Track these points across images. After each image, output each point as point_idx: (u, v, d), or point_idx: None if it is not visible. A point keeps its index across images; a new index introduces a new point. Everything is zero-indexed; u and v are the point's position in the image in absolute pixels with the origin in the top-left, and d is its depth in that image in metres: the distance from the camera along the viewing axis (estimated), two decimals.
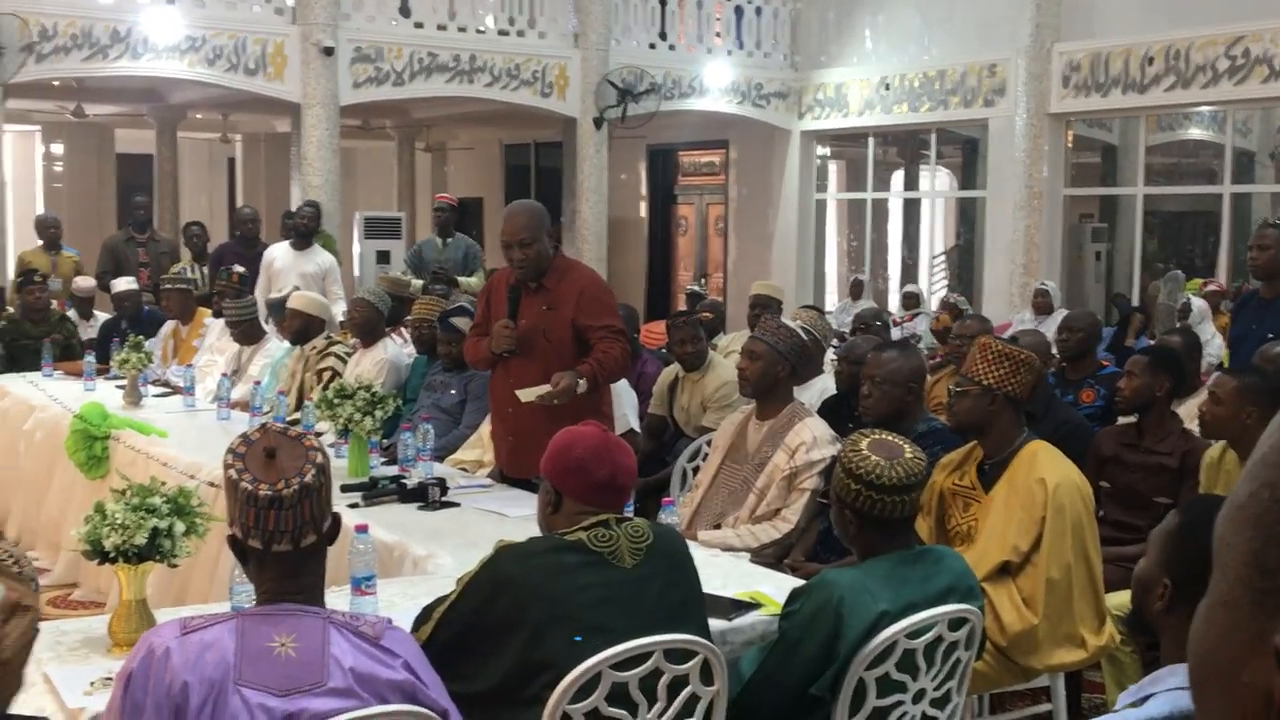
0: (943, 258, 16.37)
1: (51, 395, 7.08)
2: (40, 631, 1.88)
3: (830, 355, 7.05)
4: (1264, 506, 0.80)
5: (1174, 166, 14.49)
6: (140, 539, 2.95)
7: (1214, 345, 8.93)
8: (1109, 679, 4.18)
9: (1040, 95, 12.83)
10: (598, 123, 13.94)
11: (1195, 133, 14.00)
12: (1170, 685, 1.83)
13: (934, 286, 15.66)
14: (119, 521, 2.95)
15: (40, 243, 10.88)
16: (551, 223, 4.95)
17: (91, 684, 2.73)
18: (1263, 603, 0.80)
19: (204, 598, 4.46)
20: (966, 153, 15.63)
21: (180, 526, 3.02)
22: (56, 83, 12.70)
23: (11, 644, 1.73)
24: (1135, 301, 12.81)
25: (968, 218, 15.75)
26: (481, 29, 13.69)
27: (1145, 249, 13.40)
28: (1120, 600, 3.99)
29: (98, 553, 2.98)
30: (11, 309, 8.91)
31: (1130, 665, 4.13)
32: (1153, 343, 7.67)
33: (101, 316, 9.17)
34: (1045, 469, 3.81)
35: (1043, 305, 10.87)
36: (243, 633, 2.22)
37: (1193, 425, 5.02)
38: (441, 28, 13.25)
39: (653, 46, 14.62)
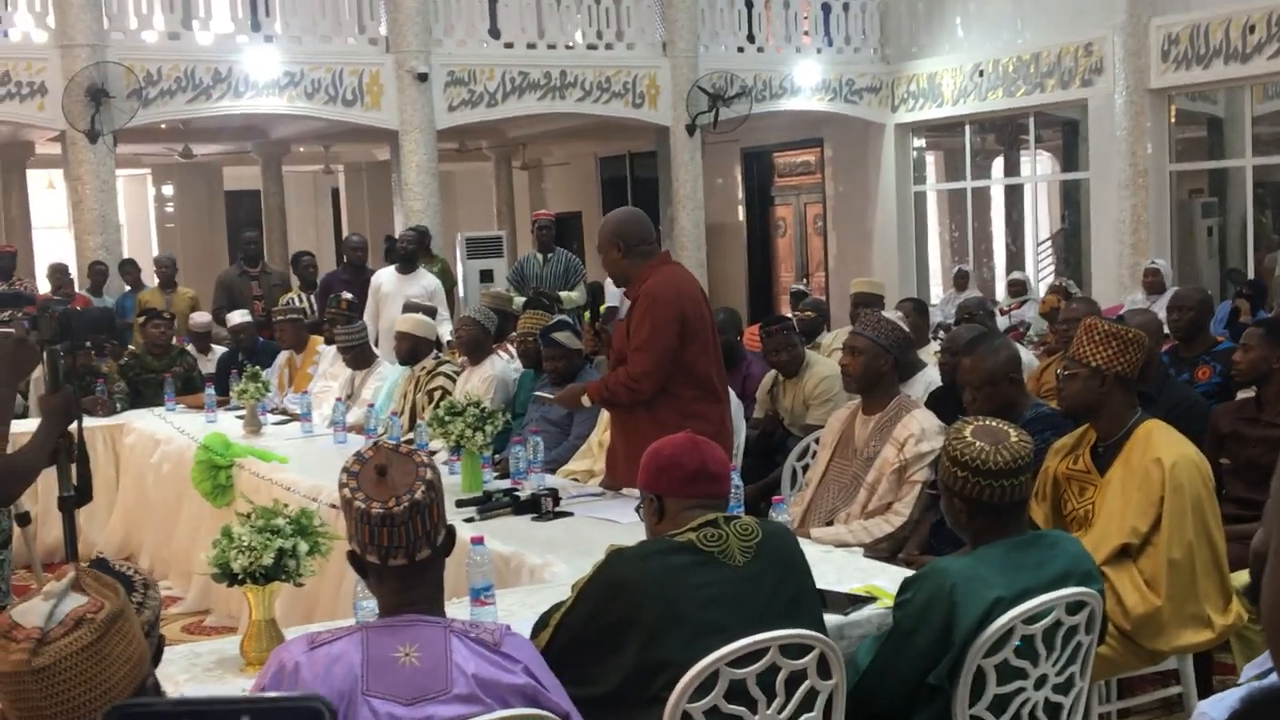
0: (1049, 243, 16.09)
1: (176, 428, 7.29)
2: (149, 651, 1.87)
3: (934, 347, 6.99)
4: None
5: None
6: (267, 560, 3.04)
7: None
8: (1239, 658, 4.09)
9: (1139, 71, 12.57)
10: (690, 129, 13.99)
11: None
12: None
13: (1041, 272, 15.41)
14: (245, 544, 3.04)
15: (157, 282, 11.24)
16: (642, 234, 4.86)
17: None
18: None
19: (331, 614, 4.55)
20: (1067, 135, 15.36)
21: (304, 546, 3.10)
22: (164, 125, 13.10)
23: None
24: (1250, 274, 12.47)
25: (1072, 200, 15.48)
26: (570, 44, 13.81)
27: (1257, 221, 13.05)
28: (1247, 578, 3.91)
29: (226, 575, 3.07)
30: (134, 347, 9.19)
31: (1261, 643, 4.02)
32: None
33: (218, 350, 9.42)
34: (1161, 448, 3.75)
35: (1154, 284, 10.64)
36: (368, 644, 2.29)
37: None
38: (531, 46, 13.41)
39: (741, 50, 14.63)
